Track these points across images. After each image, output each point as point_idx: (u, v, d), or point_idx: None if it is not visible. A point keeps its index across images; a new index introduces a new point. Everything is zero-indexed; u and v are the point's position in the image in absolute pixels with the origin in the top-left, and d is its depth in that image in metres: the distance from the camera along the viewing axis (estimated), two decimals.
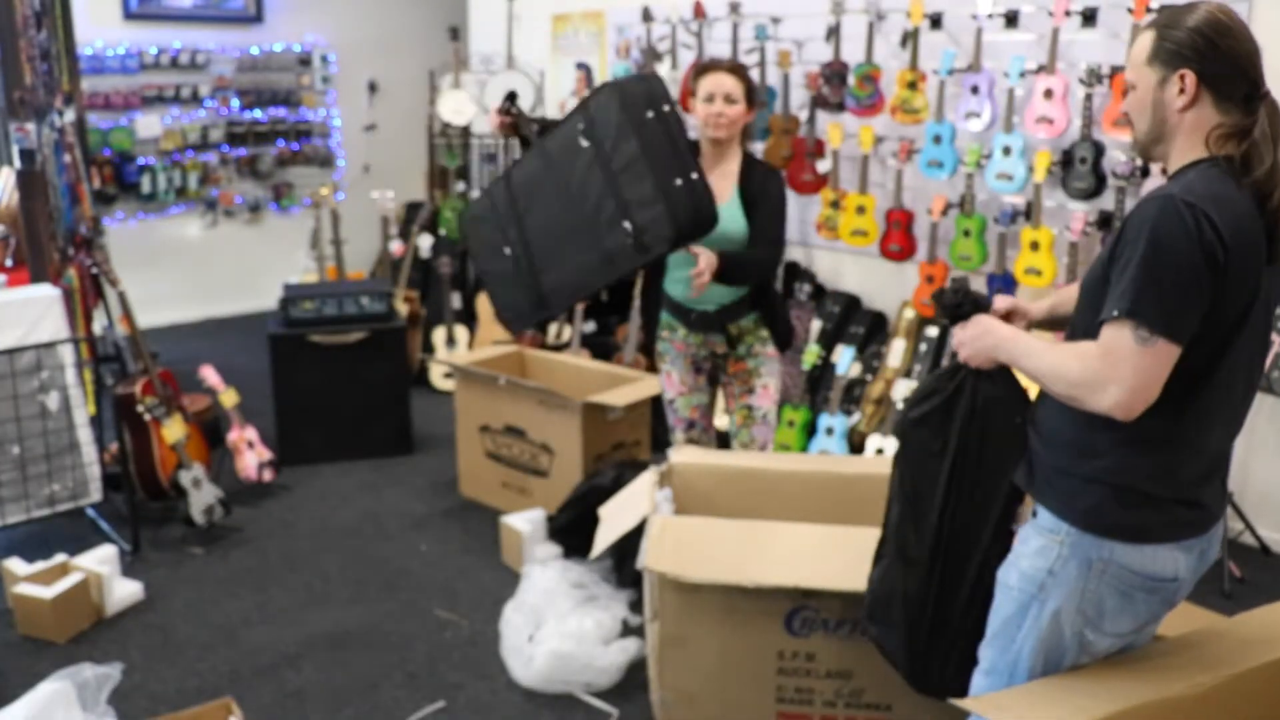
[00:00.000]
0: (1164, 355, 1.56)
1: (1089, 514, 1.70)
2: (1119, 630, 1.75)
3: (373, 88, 7.53)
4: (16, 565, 3.28)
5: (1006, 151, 4.02)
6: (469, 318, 5.64)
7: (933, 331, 4.34)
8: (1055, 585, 1.72)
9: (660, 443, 4.08)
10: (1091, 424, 1.67)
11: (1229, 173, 1.62)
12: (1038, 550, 1.75)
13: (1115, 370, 1.57)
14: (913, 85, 4.29)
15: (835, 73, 4.54)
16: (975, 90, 4.13)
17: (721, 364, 3.18)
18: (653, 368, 4.86)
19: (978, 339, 1.86)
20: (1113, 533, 1.69)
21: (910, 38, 4.30)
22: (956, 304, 1.92)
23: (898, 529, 2.04)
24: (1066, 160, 3.90)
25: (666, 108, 2.56)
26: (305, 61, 7.18)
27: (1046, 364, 1.68)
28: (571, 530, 3.53)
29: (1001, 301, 2.03)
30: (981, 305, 1.94)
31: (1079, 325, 1.75)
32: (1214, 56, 1.62)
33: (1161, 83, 1.66)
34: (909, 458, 2.02)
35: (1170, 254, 1.54)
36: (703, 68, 3.03)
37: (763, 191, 3.02)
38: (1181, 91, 1.64)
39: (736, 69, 3.00)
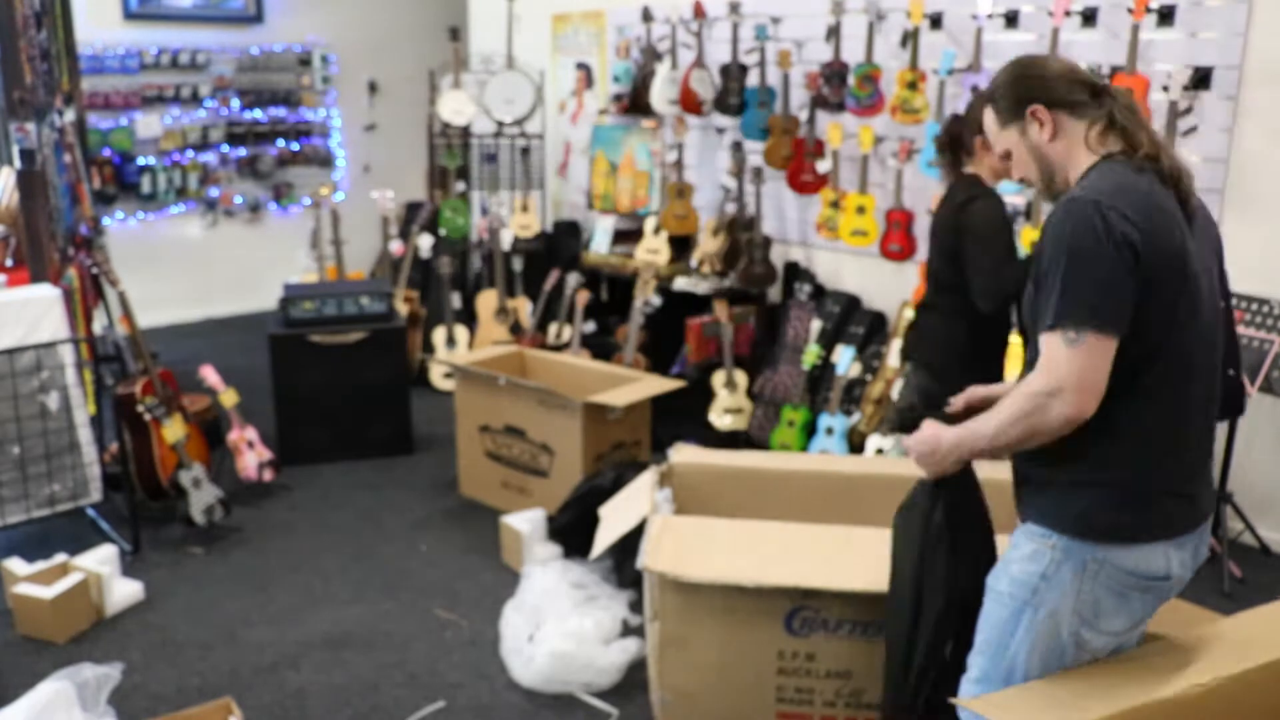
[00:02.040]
0: (1096, 348, 1.61)
1: (1080, 519, 1.71)
2: (1115, 629, 1.75)
3: (373, 88, 7.53)
4: (17, 565, 3.28)
5: None
6: (469, 318, 5.63)
7: None
8: (1049, 589, 1.72)
9: (660, 443, 4.08)
10: (1098, 433, 1.68)
11: (1122, 161, 1.71)
12: (1029, 555, 1.75)
13: (1055, 377, 1.63)
14: (913, 85, 4.29)
15: (835, 73, 4.54)
16: (975, 90, 4.13)
17: None
18: (653, 368, 4.87)
19: (925, 457, 1.91)
20: (1106, 536, 1.69)
21: (910, 38, 4.30)
22: (901, 424, 2.04)
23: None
24: None
25: None
26: (305, 61, 7.18)
27: (993, 427, 1.73)
28: (571, 530, 3.53)
29: (959, 400, 2.09)
30: (935, 411, 2.00)
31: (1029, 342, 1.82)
32: (1042, 84, 1.78)
33: (1023, 133, 1.81)
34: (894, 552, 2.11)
35: (1084, 254, 1.61)
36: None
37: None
38: (1041, 125, 1.78)
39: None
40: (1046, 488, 1.75)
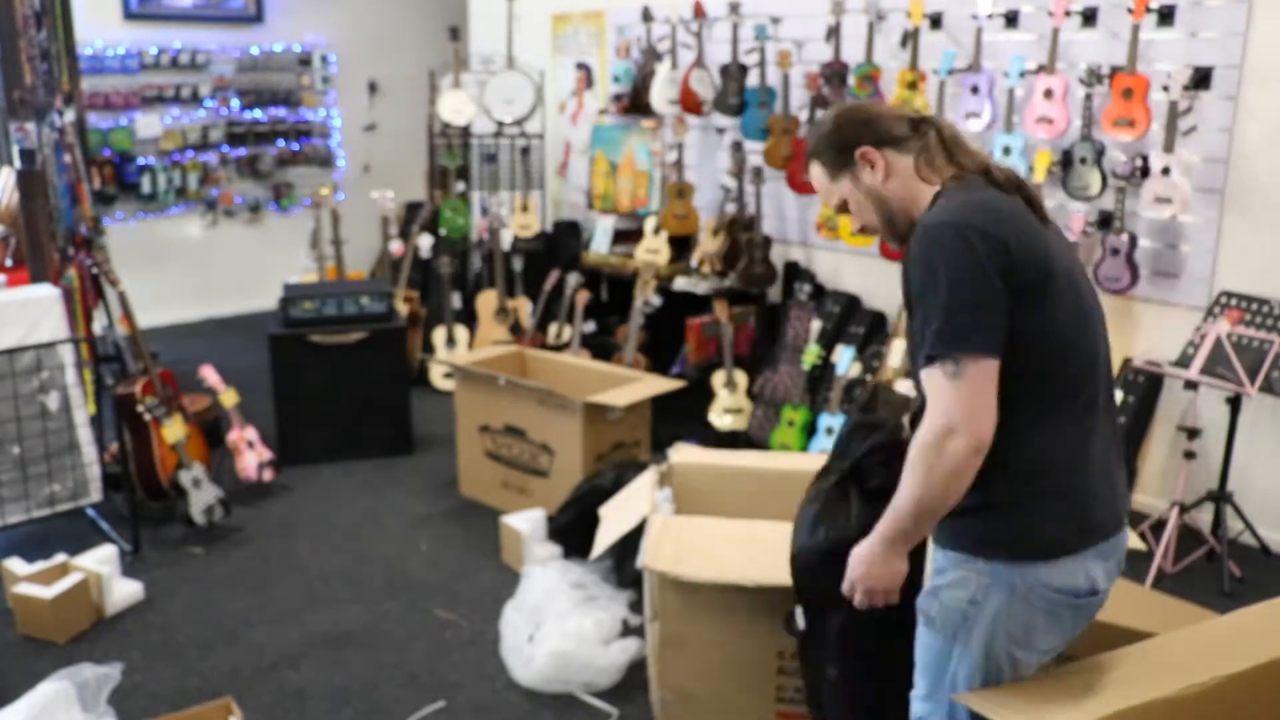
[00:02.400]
0: (978, 374, 1.55)
1: (997, 542, 1.66)
2: (1048, 647, 1.71)
3: (373, 88, 7.53)
4: (17, 565, 3.28)
5: (1006, 151, 4.02)
6: (469, 318, 5.64)
7: None
8: (979, 614, 1.68)
9: (660, 443, 4.08)
10: (996, 456, 1.62)
11: (963, 183, 1.68)
12: (956, 582, 1.70)
13: (946, 416, 1.56)
14: (913, 85, 4.29)
15: (835, 73, 4.54)
16: (975, 90, 4.14)
17: None
18: (653, 368, 4.87)
19: (868, 579, 1.75)
20: (1025, 555, 1.65)
21: (910, 38, 4.30)
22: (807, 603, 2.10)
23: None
24: (1066, 160, 3.90)
25: None
26: (305, 61, 7.18)
27: (909, 501, 1.63)
28: (571, 530, 3.53)
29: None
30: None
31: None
32: (862, 126, 1.75)
33: (855, 180, 1.77)
34: None
35: (950, 278, 1.56)
36: None
37: None
38: (872, 166, 1.74)
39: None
40: (960, 513, 1.67)
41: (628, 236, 5.59)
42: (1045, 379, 1.63)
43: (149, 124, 6.58)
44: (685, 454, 2.98)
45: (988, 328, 1.56)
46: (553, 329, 5.45)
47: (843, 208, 1.81)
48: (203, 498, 3.79)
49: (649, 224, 5.27)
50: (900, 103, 4.31)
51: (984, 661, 1.71)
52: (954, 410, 1.55)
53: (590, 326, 5.39)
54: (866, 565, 1.74)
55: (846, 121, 1.76)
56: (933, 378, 1.57)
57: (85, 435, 3.67)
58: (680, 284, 5.02)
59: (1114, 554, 1.72)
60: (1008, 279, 1.56)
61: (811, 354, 4.59)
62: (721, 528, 2.56)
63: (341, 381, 4.48)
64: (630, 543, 2.88)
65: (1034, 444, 1.64)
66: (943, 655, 1.74)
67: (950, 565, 1.71)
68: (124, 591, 3.34)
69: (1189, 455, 3.64)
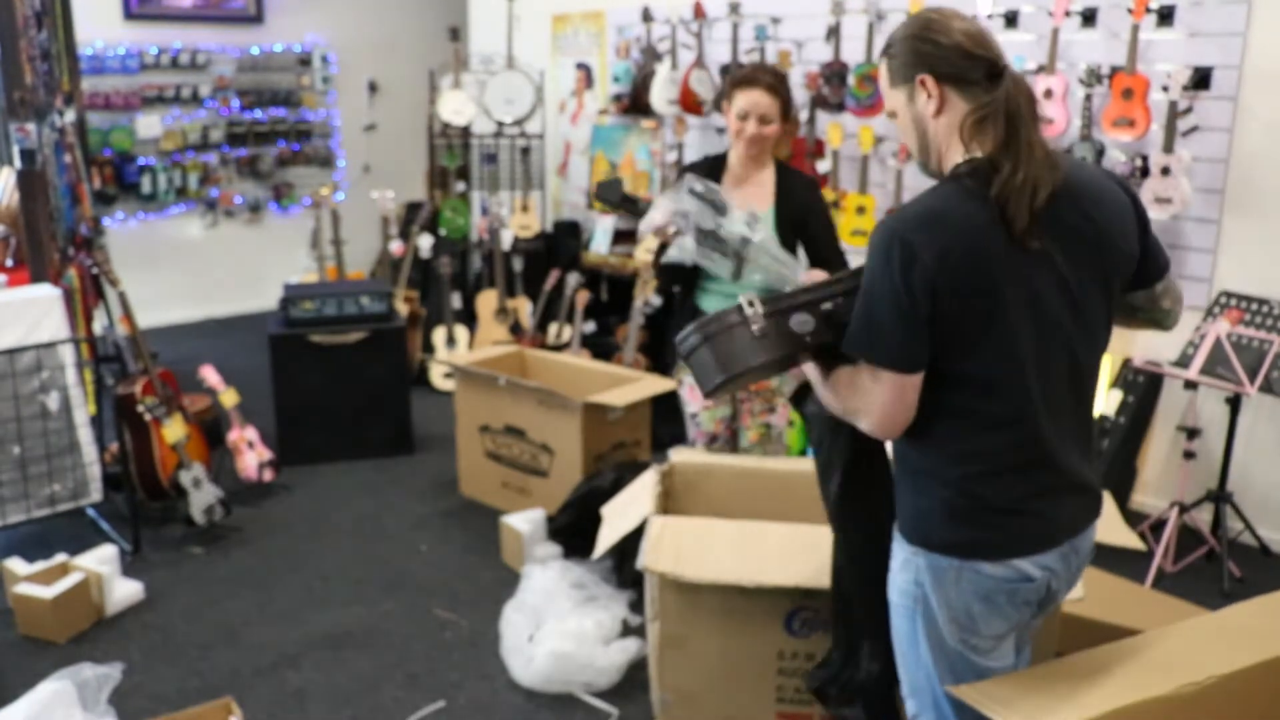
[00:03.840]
0: (896, 385, 1.59)
1: (924, 532, 1.68)
2: (993, 633, 1.70)
3: (373, 88, 7.53)
4: (17, 565, 3.28)
5: None
6: (469, 318, 5.64)
7: None
8: (925, 597, 1.70)
9: (660, 443, 4.08)
10: (924, 447, 1.67)
11: (965, 178, 1.59)
12: (902, 565, 1.74)
13: (860, 401, 1.65)
14: None
15: (835, 73, 4.54)
16: None
17: None
18: (653, 368, 4.87)
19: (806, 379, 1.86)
20: (949, 550, 1.66)
21: None
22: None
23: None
24: None
25: None
26: (305, 62, 7.18)
27: (824, 396, 1.76)
28: (571, 530, 3.53)
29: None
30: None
31: None
32: (936, 52, 1.63)
33: (910, 98, 1.67)
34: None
35: (876, 288, 1.57)
36: (739, 80, 2.87)
37: (808, 207, 2.88)
38: (929, 96, 1.64)
39: (774, 87, 2.84)
40: (903, 496, 1.73)
41: (628, 236, 5.60)
42: (971, 403, 1.62)
43: (149, 124, 6.58)
44: (685, 454, 2.98)
45: (902, 343, 1.56)
46: (553, 329, 5.45)
47: (892, 116, 1.75)
48: (203, 498, 3.79)
49: None
50: None
51: (943, 646, 1.71)
52: (870, 405, 1.63)
53: (590, 326, 5.39)
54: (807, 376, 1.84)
55: (923, 37, 1.65)
56: (860, 370, 1.64)
57: (85, 435, 3.68)
58: None
59: (1058, 552, 1.69)
60: (936, 304, 1.54)
61: None
62: (721, 528, 2.56)
63: (341, 381, 4.47)
64: (630, 543, 2.88)
65: (963, 456, 1.64)
66: (910, 641, 1.75)
67: (898, 549, 1.76)
68: (124, 591, 3.34)
69: (1189, 455, 3.64)
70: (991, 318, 1.56)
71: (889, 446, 1.88)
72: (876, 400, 1.61)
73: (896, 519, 1.76)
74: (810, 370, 1.78)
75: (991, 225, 1.55)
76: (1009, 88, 1.60)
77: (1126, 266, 1.72)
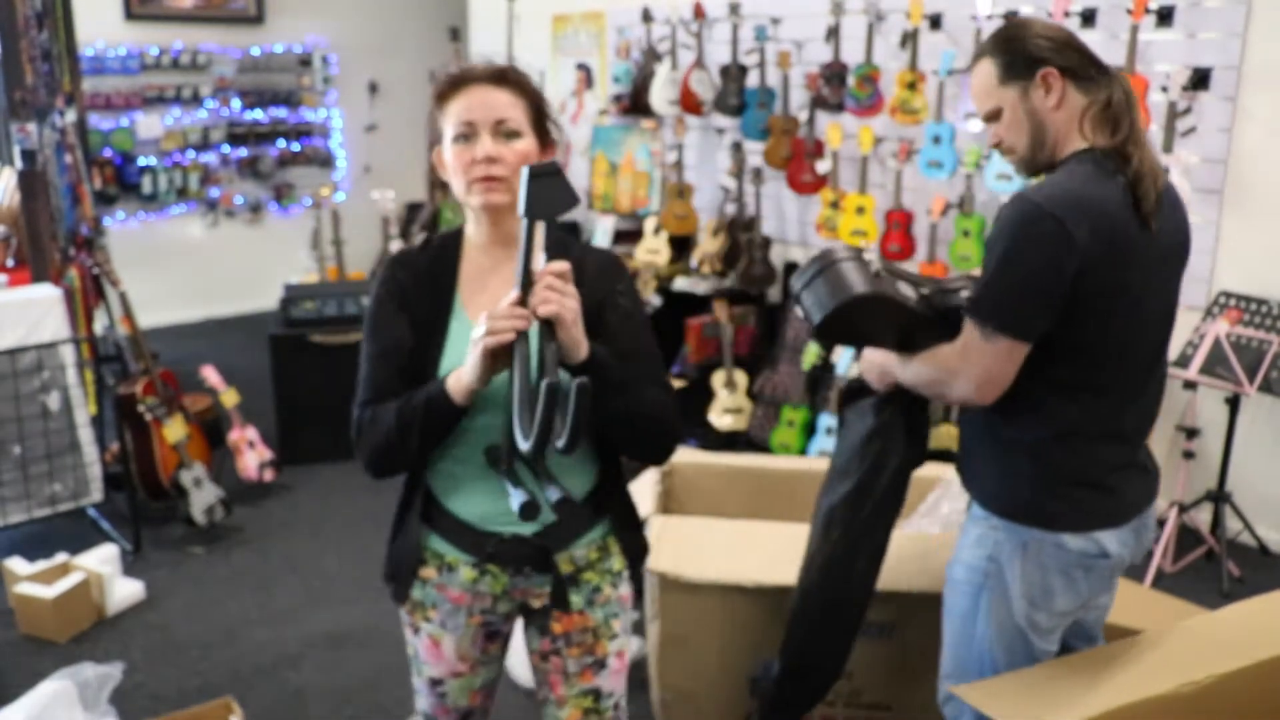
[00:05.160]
0: (1005, 351, 1.65)
1: (1013, 503, 1.76)
2: (1065, 609, 1.78)
3: (373, 88, 7.54)
4: (18, 565, 3.29)
5: None
6: None
7: None
8: (998, 571, 1.77)
9: None
10: (1018, 417, 1.73)
11: (1094, 163, 1.67)
12: (977, 540, 1.80)
13: (965, 363, 1.69)
14: (912, 86, 4.29)
15: (835, 73, 4.54)
16: None
17: (539, 622, 1.73)
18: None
19: (869, 371, 1.95)
20: (1034, 520, 1.73)
21: (910, 38, 4.30)
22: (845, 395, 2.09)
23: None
24: None
25: None
26: (306, 62, 7.18)
27: (910, 373, 1.80)
28: None
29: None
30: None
31: None
32: (1053, 47, 1.70)
33: (1024, 95, 1.71)
34: None
35: (1019, 259, 1.62)
36: (454, 81, 1.58)
37: (607, 302, 1.60)
38: (1049, 90, 1.69)
39: (505, 77, 1.59)
40: (987, 467, 1.80)
41: (628, 237, 5.60)
42: (1075, 375, 1.70)
43: (150, 124, 6.59)
44: (685, 454, 2.98)
45: (1032, 317, 1.63)
46: None
47: (993, 116, 1.76)
48: (203, 497, 3.80)
49: (649, 224, 5.28)
50: (899, 103, 4.32)
51: (1006, 622, 1.76)
52: (972, 366, 1.67)
53: None
54: (870, 365, 1.94)
55: (1041, 35, 1.71)
56: (970, 329, 1.68)
57: (86, 435, 3.68)
58: (680, 284, 5.03)
59: (1130, 527, 1.78)
60: (1074, 281, 1.61)
61: (811, 354, 4.60)
62: (721, 528, 2.56)
63: (342, 381, 4.43)
64: None
65: (1053, 426, 1.71)
66: (969, 619, 1.80)
67: (973, 523, 1.82)
68: (125, 591, 3.34)
69: (1188, 455, 3.64)
70: (1122, 294, 1.66)
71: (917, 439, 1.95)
72: (982, 364, 1.66)
73: (975, 494, 1.83)
74: (889, 358, 1.86)
75: (1126, 207, 1.65)
76: (1122, 81, 1.71)
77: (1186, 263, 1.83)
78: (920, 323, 1.79)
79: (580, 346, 1.43)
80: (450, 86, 1.58)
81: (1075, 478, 1.73)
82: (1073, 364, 1.69)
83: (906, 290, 1.80)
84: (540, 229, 1.43)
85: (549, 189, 1.38)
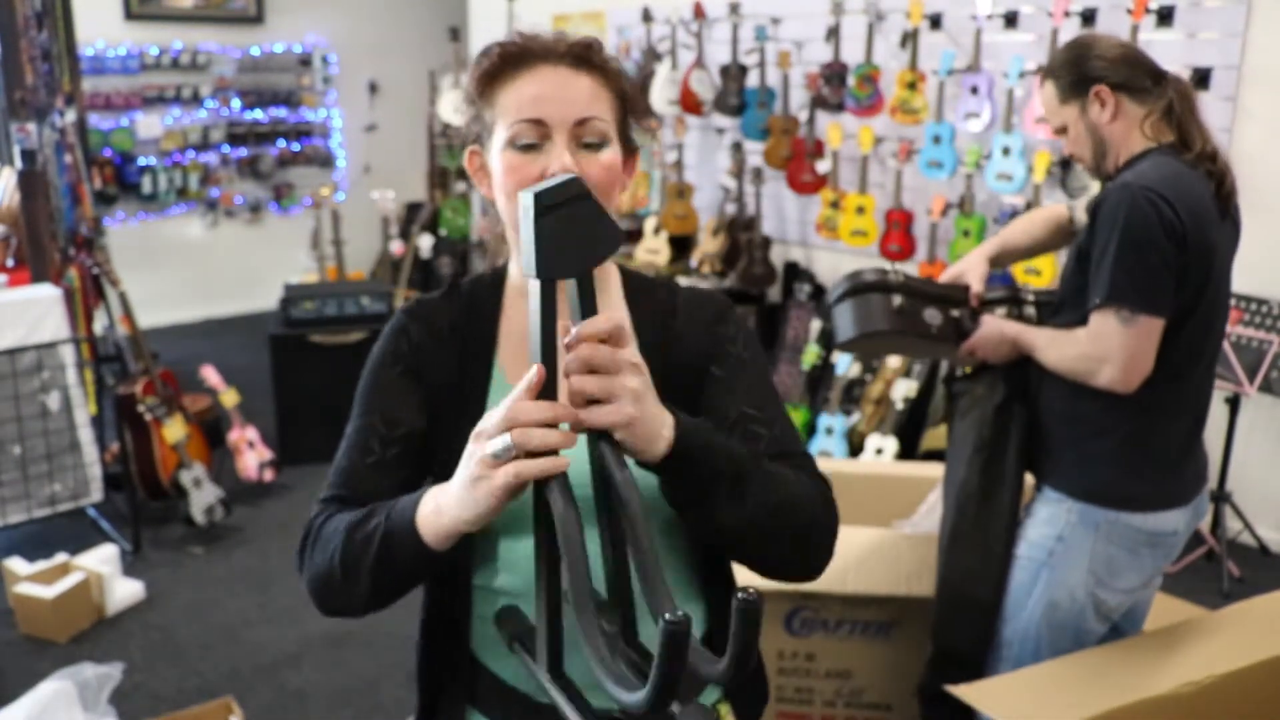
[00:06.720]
0: (1146, 329, 1.71)
1: (1091, 485, 1.82)
2: (1129, 586, 1.85)
3: (373, 88, 7.54)
4: (18, 565, 3.29)
5: (1006, 152, 4.02)
6: None
7: None
8: (1065, 550, 1.83)
9: None
10: (1093, 402, 1.80)
11: (1172, 154, 1.78)
12: (1046, 519, 1.86)
13: (1106, 350, 1.73)
14: (912, 86, 4.29)
15: (835, 73, 4.54)
16: (975, 90, 4.14)
17: None
18: None
19: (989, 343, 1.96)
20: (1112, 502, 1.80)
21: (910, 38, 4.30)
22: (853, 288, 2.00)
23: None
24: (1066, 160, 3.91)
25: None
26: (306, 62, 7.19)
27: (1054, 353, 1.84)
28: None
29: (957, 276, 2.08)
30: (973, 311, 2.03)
31: (1063, 301, 1.91)
32: (1107, 65, 1.83)
33: (1082, 111, 1.85)
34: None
35: (1139, 238, 1.69)
36: (514, 56, 1.17)
37: (713, 356, 1.16)
38: (1103, 105, 1.83)
39: (589, 58, 1.16)
40: (1066, 452, 1.86)
41: (628, 237, 5.60)
42: (1176, 354, 1.77)
43: (149, 124, 6.59)
44: None
45: (1162, 293, 1.70)
46: None
47: (1061, 131, 1.90)
48: (203, 497, 3.80)
49: (649, 224, 5.28)
50: (899, 103, 4.32)
51: (1062, 601, 1.83)
52: (1118, 351, 1.71)
53: None
54: (996, 334, 1.93)
55: (1091, 55, 1.84)
56: (1104, 319, 1.72)
57: (86, 435, 3.68)
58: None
59: (1192, 503, 1.87)
60: (1180, 256, 1.70)
61: (811, 354, 4.60)
62: None
63: (341, 381, 4.44)
64: None
65: (1139, 408, 1.79)
66: (1024, 593, 1.88)
67: (1043, 503, 1.88)
68: (125, 591, 3.34)
69: None
70: (1209, 274, 1.76)
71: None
72: (1126, 348, 1.71)
73: (1047, 473, 1.89)
74: (1026, 334, 1.89)
75: (1209, 195, 1.77)
76: (1181, 86, 1.83)
77: None
78: (940, 350, 1.91)
79: (656, 442, 0.92)
80: (508, 63, 1.12)
81: (1155, 459, 1.81)
82: (1164, 344, 1.75)
83: (932, 315, 1.89)
84: (565, 293, 0.91)
85: (573, 225, 0.86)
